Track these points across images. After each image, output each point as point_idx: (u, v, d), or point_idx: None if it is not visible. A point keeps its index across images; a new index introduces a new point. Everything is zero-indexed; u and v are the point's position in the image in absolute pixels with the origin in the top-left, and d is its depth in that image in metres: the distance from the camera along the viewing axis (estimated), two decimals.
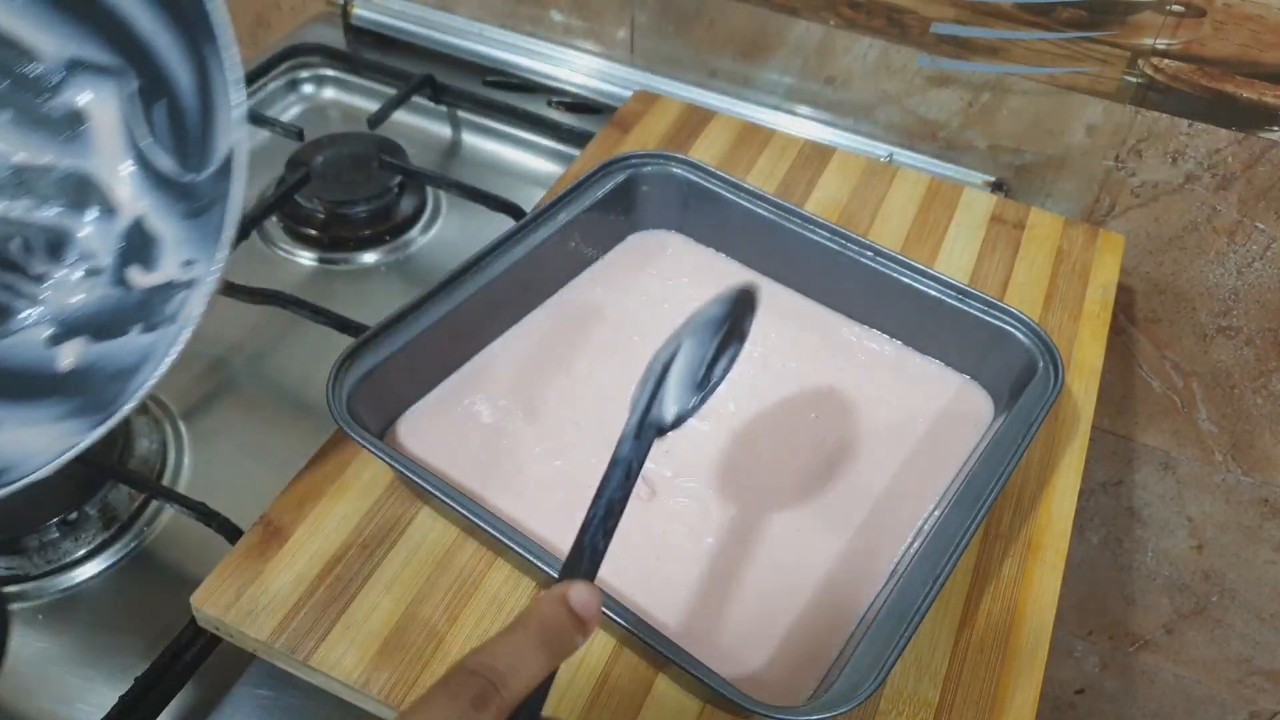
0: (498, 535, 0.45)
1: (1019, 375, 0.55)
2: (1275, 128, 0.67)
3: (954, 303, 0.57)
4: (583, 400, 0.56)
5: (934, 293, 0.57)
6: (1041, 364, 0.54)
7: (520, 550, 0.44)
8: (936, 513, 0.51)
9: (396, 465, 0.47)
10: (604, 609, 0.42)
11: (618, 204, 0.62)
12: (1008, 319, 0.56)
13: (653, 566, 0.49)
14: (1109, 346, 0.63)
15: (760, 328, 0.60)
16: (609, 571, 0.49)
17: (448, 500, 0.46)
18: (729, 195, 0.61)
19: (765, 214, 0.61)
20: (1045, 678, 0.47)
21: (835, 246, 0.59)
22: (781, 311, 0.61)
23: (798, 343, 0.60)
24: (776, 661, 0.46)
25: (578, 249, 0.61)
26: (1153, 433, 0.87)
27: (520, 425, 0.55)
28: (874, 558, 0.50)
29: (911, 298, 0.58)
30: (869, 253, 0.58)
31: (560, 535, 0.50)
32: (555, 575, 0.43)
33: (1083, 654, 1.07)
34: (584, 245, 0.62)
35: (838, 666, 0.45)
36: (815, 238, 0.59)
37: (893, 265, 0.58)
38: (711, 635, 0.47)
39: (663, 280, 0.63)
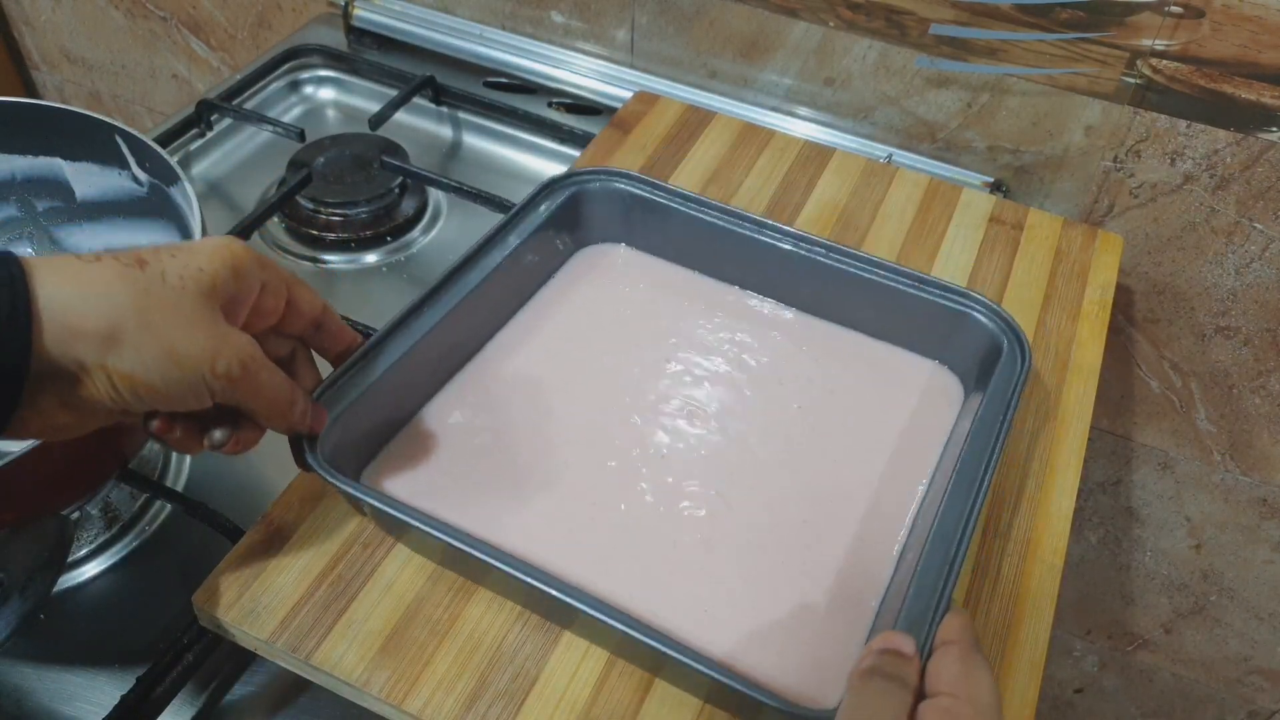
0: (495, 563, 0.44)
1: (985, 356, 0.56)
2: (1273, 128, 0.68)
3: (913, 291, 0.57)
4: (561, 420, 0.55)
5: (891, 283, 0.58)
6: (1006, 343, 0.55)
7: (513, 572, 0.43)
8: (927, 497, 0.52)
9: (383, 507, 0.45)
10: (631, 630, 0.42)
11: (564, 221, 0.62)
12: (967, 302, 0.56)
13: (663, 576, 0.49)
14: (1107, 346, 0.63)
15: (726, 329, 0.60)
16: (623, 588, 0.48)
17: (452, 542, 0.44)
18: (673, 205, 0.61)
19: (711, 220, 0.61)
20: (1044, 677, 0.48)
21: (788, 247, 0.59)
22: (742, 313, 0.61)
23: (766, 340, 0.60)
24: (803, 665, 0.46)
25: (529, 269, 0.61)
26: (1151, 432, 0.87)
27: (500, 453, 0.53)
28: (877, 546, 0.50)
29: (871, 290, 0.58)
30: (820, 249, 0.59)
31: (549, 559, 0.48)
32: (553, 591, 0.43)
33: (1081, 653, 1.07)
34: (536, 266, 0.61)
35: None
36: (766, 239, 0.60)
37: (848, 260, 0.58)
38: (735, 643, 0.46)
39: (618, 291, 0.62)
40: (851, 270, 0.58)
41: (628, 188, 0.62)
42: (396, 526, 0.48)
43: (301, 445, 0.46)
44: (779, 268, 0.60)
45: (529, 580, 0.43)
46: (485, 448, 0.53)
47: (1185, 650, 1.01)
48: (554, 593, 0.43)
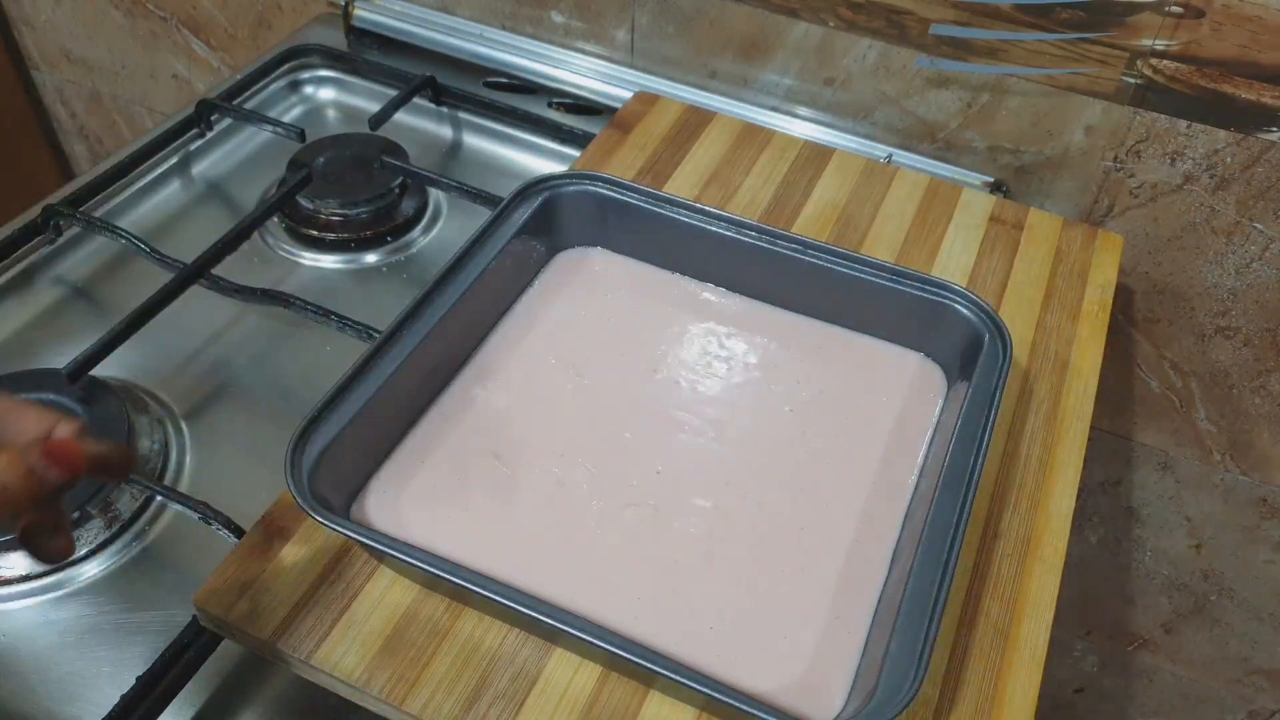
0: (506, 603, 0.44)
1: (967, 347, 0.56)
2: (1273, 128, 0.68)
3: (889, 284, 0.58)
4: (551, 438, 0.55)
5: (868, 277, 0.58)
6: (987, 335, 0.55)
7: (494, 597, 0.43)
8: (917, 493, 0.52)
9: (364, 540, 0.45)
10: (615, 648, 0.42)
11: (539, 227, 0.62)
12: (946, 294, 0.57)
13: (665, 594, 0.49)
14: (1107, 346, 0.63)
15: (711, 332, 0.60)
16: (627, 608, 0.48)
17: (455, 579, 0.44)
18: (646, 206, 0.61)
19: (685, 220, 0.61)
20: (1044, 676, 0.47)
21: (764, 244, 0.59)
22: (725, 314, 0.61)
23: (751, 342, 0.60)
24: (803, 674, 0.46)
25: (508, 278, 0.60)
26: (1151, 432, 0.87)
27: (493, 474, 0.53)
28: (873, 548, 0.50)
29: (848, 284, 0.59)
30: (797, 246, 0.59)
31: (549, 581, 0.48)
32: (534, 614, 0.43)
33: (1082, 653, 1.07)
34: (514, 274, 0.61)
35: (866, 675, 0.45)
36: (741, 238, 0.60)
37: (823, 256, 0.59)
38: (736, 656, 0.46)
39: (599, 297, 0.62)
40: (830, 266, 0.59)
41: (601, 190, 0.62)
42: (380, 557, 0.48)
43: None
44: (757, 266, 0.60)
45: (509, 604, 0.43)
46: (477, 469, 0.53)
47: (1185, 650, 1.01)
48: (535, 615, 0.43)
